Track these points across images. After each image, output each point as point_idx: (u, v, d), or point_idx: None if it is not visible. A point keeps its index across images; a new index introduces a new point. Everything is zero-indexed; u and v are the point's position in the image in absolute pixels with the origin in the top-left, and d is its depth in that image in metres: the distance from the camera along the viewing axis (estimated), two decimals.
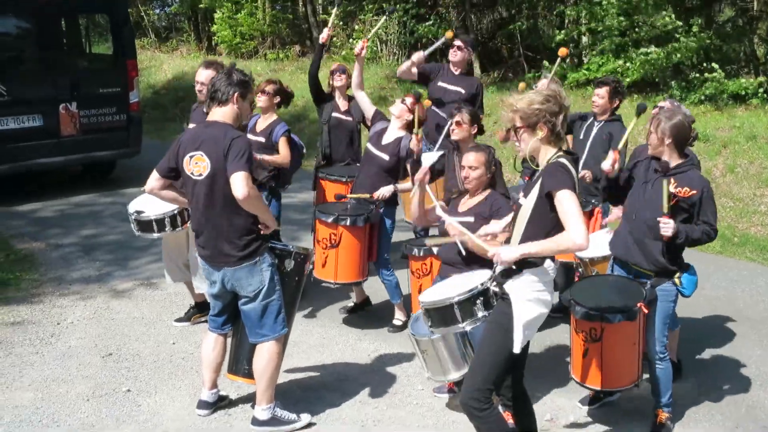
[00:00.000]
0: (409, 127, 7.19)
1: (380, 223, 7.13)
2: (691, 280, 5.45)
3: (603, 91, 7.27)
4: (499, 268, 4.53)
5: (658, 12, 15.13)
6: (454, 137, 6.52)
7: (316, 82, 8.29)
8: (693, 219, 5.37)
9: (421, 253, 6.31)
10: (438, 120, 7.94)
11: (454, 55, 8.47)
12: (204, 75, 6.81)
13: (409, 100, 7.15)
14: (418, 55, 8.38)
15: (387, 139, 7.20)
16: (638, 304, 5.22)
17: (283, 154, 7.35)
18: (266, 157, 7.24)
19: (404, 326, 7.23)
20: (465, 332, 5.23)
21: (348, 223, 6.85)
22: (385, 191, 7.02)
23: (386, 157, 7.12)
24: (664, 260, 5.35)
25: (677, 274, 5.39)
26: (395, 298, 7.29)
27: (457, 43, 8.47)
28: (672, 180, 5.31)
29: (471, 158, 5.69)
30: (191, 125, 7.07)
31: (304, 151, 7.87)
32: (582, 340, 5.35)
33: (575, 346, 5.47)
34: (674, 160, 5.37)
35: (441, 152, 6.44)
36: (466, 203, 5.80)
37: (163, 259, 7.37)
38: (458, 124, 6.47)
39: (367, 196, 7.06)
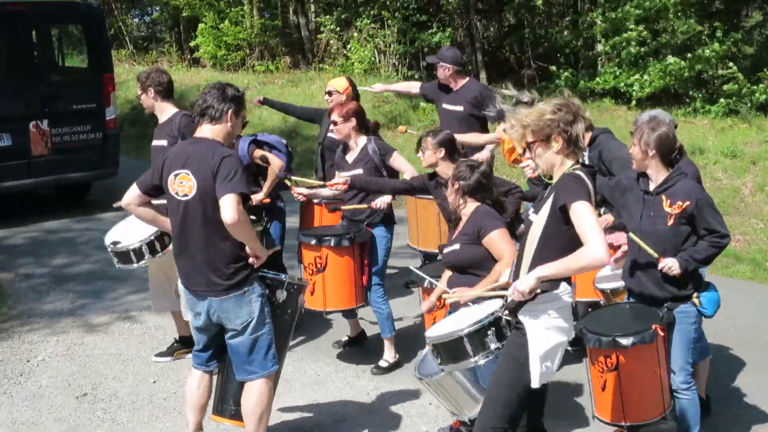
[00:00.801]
0: (368, 130, 7.29)
1: (371, 244, 7.09)
2: (712, 299, 5.44)
3: None
4: (511, 294, 4.51)
5: (680, 19, 15.22)
6: (423, 164, 6.56)
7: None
8: (696, 231, 5.38)
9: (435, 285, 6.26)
10: None
11: (439, 75, 8.77)
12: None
13: (334, 116, 7.15)
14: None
15: (352, 156, 7.19)
16: (653, 326, 5.20)
17: (274, 163, 7.28)
18: (265, 189, 7.23)
19: (390, 368, 7.15)
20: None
21: (332, 243, 6.84)
22: (382, 200, 6.98)
23: (359, 171, 7.11)
24: (678, 285, 5.36)
25: (695, 294, 5.39)
26: (386, 332, 7.19)
27: (432, 60, 8.87)
28: (663, 197, 5.35)
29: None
30: (154, 142, 7.11)
31: (285, 143, 7.79)
32: (599, 371, 5.33)
33: (594, 380, 5.44)
34: (661, 174, 5.41)
35: None
36: (460, 225, 5.85)
37: (150, 286, 7.35)
38: (422, 150, 6.51)
39: (364, 206, 7.05)
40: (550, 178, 4.52)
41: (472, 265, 5.62)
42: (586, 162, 7.12)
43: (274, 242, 7.21)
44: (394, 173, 7.29)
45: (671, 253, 5.33)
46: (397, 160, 7.17)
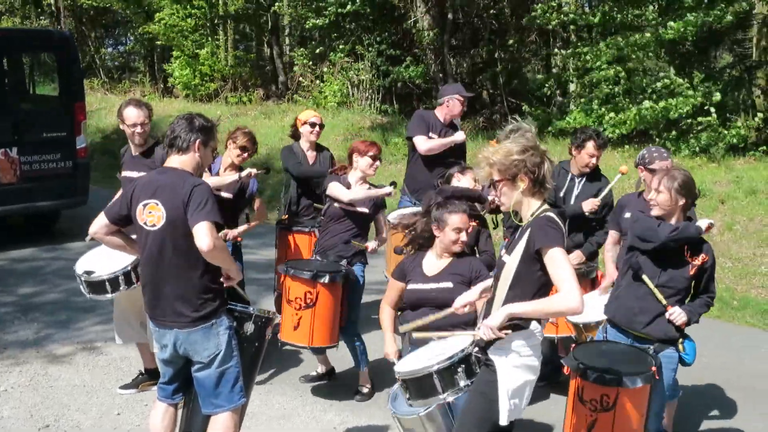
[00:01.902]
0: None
1: (354, 283, 7.09)
2: (692, 347, 5.51)
3: (599, 150, 7.28)
4: (482, 332, 4.50)
5: (650, 58, 15.44)
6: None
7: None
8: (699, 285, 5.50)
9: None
10: (433, 181, 7.96)
11: (457, 108, 8.77)
12: (142, 115, 7.08)
13: (370, 155, 7.11)
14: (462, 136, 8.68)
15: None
16: (651, 368, 5.12)
17: (261, 211, 7.49)
18: (243, 229, 7.31)
19: (372, 394, 7.18)
20: (449, 404, 5.20)
21: (327, 280, 6.78)
22: (373, 244, 7.15)
23: (366, 210, 7.14)
24: (674, 328, 5.41)
25: (680, 340, 5.42)
26: (362, 365, 7.23)
27: (464, 97, 8.76)
28: (685, 248, 5.39)
29: (462, 221, 5.73)
30: (125, 173, 7.08)
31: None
32: (590, 409, 5.14)
33: (578, 418, 5.23)
34: (680, 222, 5.45)
35: (416, 209, 6.48)
36: (437, 264, 5.82)
37: (114, 317, 7.27)
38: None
39: (365, 246, 7.14)
40: (520, 220, 4.55)
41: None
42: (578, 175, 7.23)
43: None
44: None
45: (678, 300, 5.43)
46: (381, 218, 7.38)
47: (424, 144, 8.65)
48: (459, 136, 8.66)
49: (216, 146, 5.63)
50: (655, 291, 5.39)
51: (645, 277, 5.44)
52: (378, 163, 7.14)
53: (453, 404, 5.19)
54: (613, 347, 5.56)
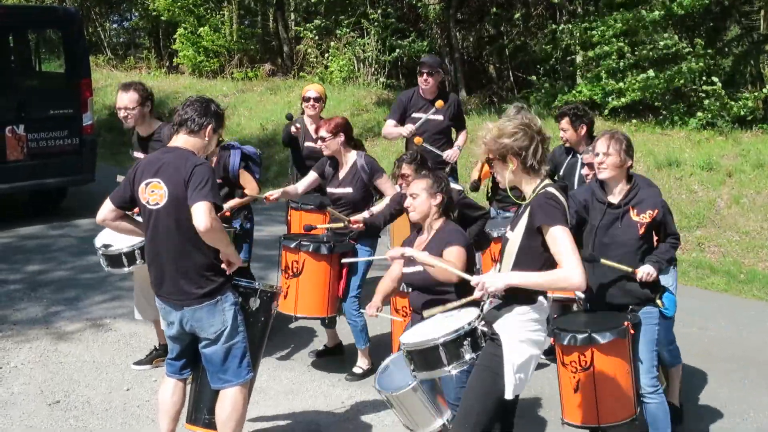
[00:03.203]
0: (356, 146, 7.32)
1: (352, 256, 7.06)
2: (671, 300, 5.66)
3: (564, 122, 7.35)
4: (486, 306, 4.54)
5: (658, 33, 15.35)
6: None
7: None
8: (659, 234, 5.64)
9: (409, 290, 6.31)
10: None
11: (426, 83, 8.51)
12: (127, 99, 6.88)
13: (323, 132, 7.14)
14: (409, 129, 8.42)
15: (342, 172, 7.25)
16: (624, 323, 5.28)
17: (251, 186, 7.27)
18: (235, 203, 7.18)
19: (365, 375, 7.16)
20: (433, 382, 5.26)
21: (310, 249, 6.87)
22: (359, 217, 6.93)
23: (350, 189, 7.15)
24: (643, 291, 5.49)
25: (657, 296, 5.51)
26: (360, 343, 7.21)
27: (425, 69, 8.51)
28: (630, 208, 5.47)
29: (412, 186, 5.75)
30: (135, 154, 7.06)
31: (260, 154, 7.75)
32: (571, 372, 5.32)
33: (564, 382, 5.41)
34: (624, 184, 5.53)
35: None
36: (421, 243, 5.74)
37: (134, 294, 7.30)
38: (403, 177, 6.50)
39: (341, 225, 7.02)
40: (516, 197, 4.64)
41: (439, 284, 5.50)
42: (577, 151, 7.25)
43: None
44: (378, 189, 7.33)
45: (640, 260, 5.48)
46: (384, 183, 7.23)
47: (384, 129, 8.87)
48: (404, 130, 8.46)
49: (222, 134, 5.65)
50: (616, 266, 5.45)
51: (603, 261, 5.48)
52: (321, 143, 7.20)
53: (443, 381, 5.30)
54: (591, 313, 5.70)
